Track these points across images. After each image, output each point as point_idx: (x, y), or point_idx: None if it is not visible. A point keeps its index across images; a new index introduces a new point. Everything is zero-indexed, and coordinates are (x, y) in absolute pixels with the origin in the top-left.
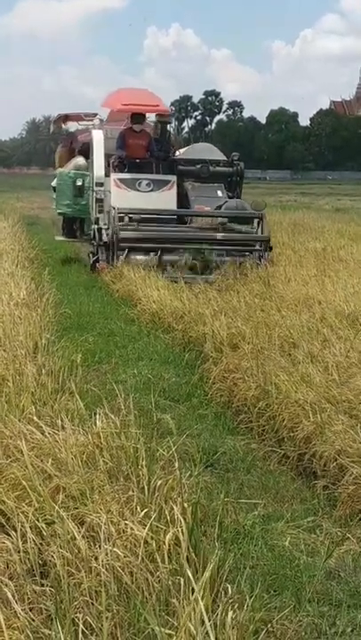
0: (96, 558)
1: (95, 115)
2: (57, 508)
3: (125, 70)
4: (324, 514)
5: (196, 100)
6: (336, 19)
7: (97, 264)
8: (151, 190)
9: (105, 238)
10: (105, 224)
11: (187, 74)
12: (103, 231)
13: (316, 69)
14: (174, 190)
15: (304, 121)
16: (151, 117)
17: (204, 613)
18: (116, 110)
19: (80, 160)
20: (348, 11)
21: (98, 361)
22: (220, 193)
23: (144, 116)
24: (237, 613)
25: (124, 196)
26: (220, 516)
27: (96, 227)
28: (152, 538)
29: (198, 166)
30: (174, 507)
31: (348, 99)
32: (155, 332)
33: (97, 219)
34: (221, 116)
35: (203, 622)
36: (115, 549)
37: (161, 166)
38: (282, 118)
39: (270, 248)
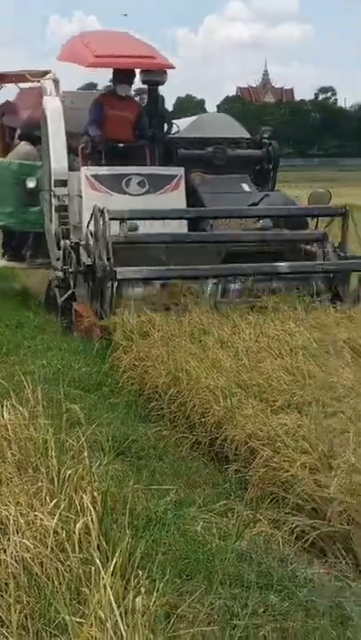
0: (4, 550)
1: (47, 73)
2: None
3: (29, 60)
4: (235, 497)
5: (100, 87)
6: (240, 6)
7: (74, 306)
8: (146, 192)
9: (88, 261)
10: (81, 240)
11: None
12: (83, 251)
13: (222, 56)
14: (182, 190)
15: (211, 108)
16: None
17: (113, 600)
18: (87, 66)
19: (25, 147)
20: None
21: (5, 353)
22: (245, 186)
23: (134, 74)
24: (147, 599)
25: (103, 202)
26: (130, 504)
27: (69, 243)
28: (62, 528)
29: (210, 149)
30: (84, 496)
31: (254, 85)
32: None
33: (65, 232)
34: None
35: (113, 609)
36: (24, 541)
37: (157, 152)
38: (189, 105)
39: None
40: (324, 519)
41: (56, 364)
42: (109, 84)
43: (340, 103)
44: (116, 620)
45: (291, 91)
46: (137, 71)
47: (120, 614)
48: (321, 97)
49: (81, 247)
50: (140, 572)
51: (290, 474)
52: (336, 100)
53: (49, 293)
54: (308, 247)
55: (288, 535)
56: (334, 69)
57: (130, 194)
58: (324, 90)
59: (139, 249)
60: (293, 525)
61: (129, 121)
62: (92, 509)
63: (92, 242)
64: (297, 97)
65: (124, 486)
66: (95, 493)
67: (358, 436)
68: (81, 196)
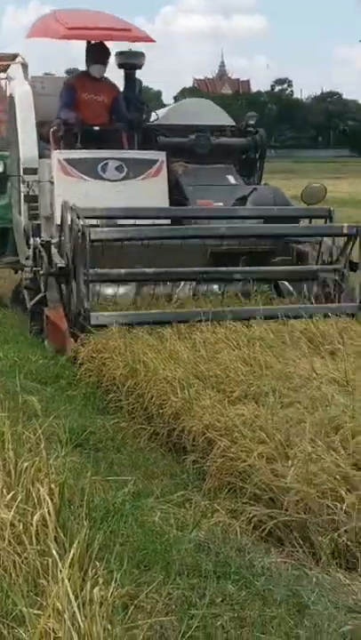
0: None
1: (15, 56)
2: None
3: None
4: (193, 488)
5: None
6: None
7: (45, 311)
8: (125, 178)
9: (60, 262)
10: (53, 237)
11: (50, 51)
12: (54, 250)
13: (178, 48)
14: (164, 176)
15: (168, 99)
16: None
17: (70, 592)
18: (60, 38)
19: None
20: None
21: None
22: (231, 178)
23: (109, 53)
24: (105, 590)
25: (77, 188)
26: (88, 495)
27: (39, 241)
28: (19, 520)
29: (192, 137)
30: (41, 488)
31: (210, 77)
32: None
33: (35, 228)
34: None
35: (70, 600)
36: None
37: (135, 138)
38: (146, 96)
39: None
40: (282, 508)
41: (13, 357)
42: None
43: (297, 95)
44: (74, 612)
45: (247, 82)
46: (112, 52)
47: (78, 605)
48: (277, 88)
49: (53, 246)
50: (98, 564)
51: (247, 464)
52: (292, 91)
53: (17, 296)
54: (301, 247)
55: (246, 525)
56: (290, 61)
57: (107, 179)
58: (280, 81)
59: (114, 247)
60: (251, 515)
61: (104, 105)
62: (49, 501)
63: (66, 239)
64: (253, 88)
65: (82, 478)
66: (52, 485)
67: (315, 426)
68: (53, 183)
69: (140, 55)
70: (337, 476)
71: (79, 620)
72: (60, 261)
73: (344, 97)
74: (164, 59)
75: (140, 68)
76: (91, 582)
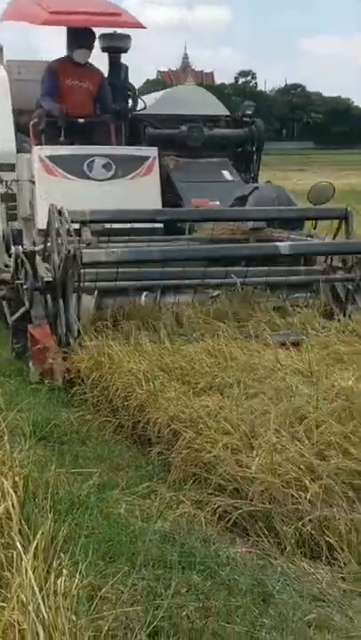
0: None
1: None
2: None
3: None
4: (158, 479)
5: None
6: None
7: (30, 329)
8: (113, 177)
9: (47, 276)
10: (36, 243)
11: (6, 42)
12: (39, 260)
13: (141, 40)
14: (156, 175)
15: None
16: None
17: (34, 583)
18: (41, 24)
19: None
20: None
21: None
22: (227, 174)
23: (93, 36)
24: (69, 581)
25: (61, 189)
26: (52, 488)
27: (22, 250)
28: None
29: (184, 128)
30: (5, 481)
31: (174, 69)
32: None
33: (17, 234)
34: None
35: (35, 592)
36: None
37: (123, 130)
38: None
39: None
40: (246, 499)
41: None
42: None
43: (261, 87)
44: (39, 604)
45: (211, 74)
46: (96, 34)
47: (42, 597)
48: (241, 80)
49: (38, 256)
50: (63, 555)
51: (212, 455)
52: (256, 83)
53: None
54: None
55: (211, 515)
56: (254, 53)
57: (93, 179)
58: (244, 73)
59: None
60: (216, 506)
61: (89, 92)
62: (13, 494)
63: (53, 250)
64: (217, 80)
65: (47, 471)
66: (16, 478)
67: (279, 417)
68: (33, 182)
69: (126, 38)
70: (301, 466)
71: (43, 611)
72: (45, 274)
73: (308, 89)
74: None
75: (125, 51)
76: (55, 573)
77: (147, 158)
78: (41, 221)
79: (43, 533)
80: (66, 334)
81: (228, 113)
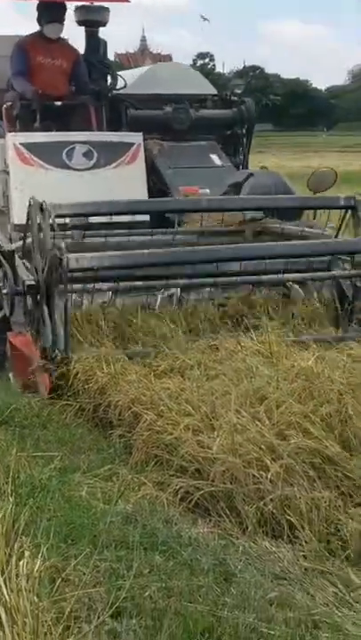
0: None
1: None
2: None
3: None
4: (120, 462)
5: None
6: None
7: (9, 337)
8: (95, 166)
9: (29, 279)
10: (12, 239)
11: None
12: (20, 263)
13: None
14: (141, 163)
15: None
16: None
17: None
18: None
19: None
20: None
21: None
22: (216, 158)
23: (64, 8)
24: (31, 563)
25: (38, 179)
26: (13, 472)
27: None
28: None
29: (169, 109)
30: None
31: (132, 51)
32: None
33: None
34: None
35: None
36: None
37: (104, 113)
38: None
39: None
40: (208, 479)
41: None
42: None
43: (219, 69)
44: (0, 586)
45: (169, 56)
46: (71, 6)
47: (4, 580)
48: (199, 63)
49: (17, 257)
50: (24, 538)
51: (173, 436)
52: (214, 65)
53: None
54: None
55: (173, 497)
56: (212, 35)
57: (73, 168)
58: (202, 55)
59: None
60: (178, 487)
61: (63, 71)
62: None
63: (35, 249)
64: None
65: (8, 455)
66: None
67: (240, 397)
68: (7, 172)
69: (104, 10)
70: (262, 446)
71: (5, 594)
72: (27, 277)
73: (266, 71)
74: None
75: (103, 25)
76: (17, 556)
77: (131, 145)
78: (17, 216)
79: (4, 517)
80: (52, 345)
81: (214, 92)
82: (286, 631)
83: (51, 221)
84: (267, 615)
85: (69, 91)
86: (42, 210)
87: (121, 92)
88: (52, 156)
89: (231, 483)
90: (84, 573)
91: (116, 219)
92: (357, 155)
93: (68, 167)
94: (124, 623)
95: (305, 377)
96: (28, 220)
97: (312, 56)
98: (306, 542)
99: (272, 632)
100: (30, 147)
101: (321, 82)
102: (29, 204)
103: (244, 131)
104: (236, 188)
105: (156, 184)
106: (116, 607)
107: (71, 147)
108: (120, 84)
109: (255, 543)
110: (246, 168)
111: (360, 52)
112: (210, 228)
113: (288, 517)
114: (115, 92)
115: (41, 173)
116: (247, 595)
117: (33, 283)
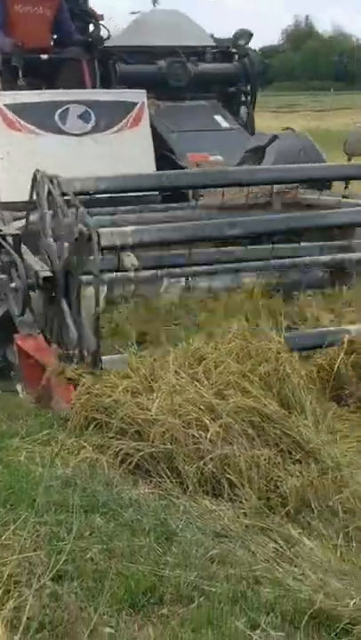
0: None
1: None
2: None
3: None
4: (59, 426)
5: None
6: None
7: (17, 340)
8: (93, 130)
9: (44, 270)
10: (4, 222)
11: None
12: (26, 250)
13: None
14: (146, 126)
15: None
16: None
17: None
18: None
19: None
20: None
21: None
22: (220, 119)
23: None
24: None
25: (28, 146)
26: None
27: None
28: None
29: (163, 63)
30: None
31: None
32: None
33: None
34: None
35: None
36: None
37: (96, 66)
38: None
39: None
40: (148, 441)
41: None
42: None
43: None
44: None
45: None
46: None
47: None
48: None
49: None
50: None
51: (112, 399)
52: None
53: None
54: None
55: (113, 459)
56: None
57: (68, 133)
58: None
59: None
60: (118, 449)
61: (45, 19)
62: None
63: (46, 233)
64: None
65: None
66: None
67: (178, 359)
68: None
69: None
70: (201, 406)
71: None
72: (41, 268)
73: None
74: None
75: None
76: None
77: (134, 104)
78: (5, 191)
79: None
80: (75, 348)
81: (212, 43)
82: (228, 588)
83: (69, 198)
84: (208, 573)
85: (54, 43)
86: (52, 183)
87: (107, 43)
88: (42, 118)
89: (171, 443)
90: (24, 538)
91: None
92: (293, 115)
93: (62, 132)
94: (65, 586)
95: (242, 337)
96: (32, 196)
97: (246, 15)
98: (246, 500)
99: (213, 589)
100: (17, 108)
101: (255, 43)
102: (35, 179)
103: (248, 88)
104: (257, 153)
105: (158, 149)
106: (56, 570)
107: (64, 107)
108: (104, 34)
109: (196, 502)
110: (253, 130)
111: (293, 12)
112: (233, 202)
113: (228, 476)
114: (102, 43)
115: (31, 140)
116: (188, 553)
117: (49, 274)
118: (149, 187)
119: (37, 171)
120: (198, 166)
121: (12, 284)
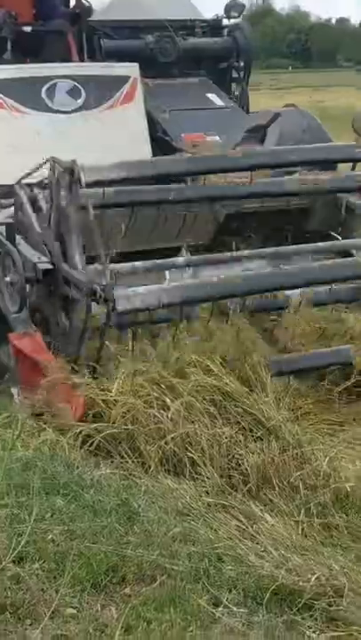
0: None
1: None
2: None
3: None
4: (19, 409)
5: None
6: None
7: (12, 339)
8: (83, 107)
9: (43, 263)
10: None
11: None
12: (21, 240)
13: None
14: (139, 102)
15: None
16: None
17: None
18: None
19: None
20: None
21: None
22: (214, 98)
23: None
24: None
25: (13, 126)
26: None
27: None
28: None
29: (151, 38)
30: None
31: None
32: None
33: None
34: None
35: None
36: None
37: (84, 40)
38: None
39: None
40: (109, 422)
41: None
42: None
43: None
44: None
45: None
46: None
47: None
48: None
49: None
50: None
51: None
52: None
53: None
54: (352, 200)
55: (73, 441)
56: None
57: (57, 110)
58: None
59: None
60: (78, 431)
61: None
62: None
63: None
64: None
65: None
66: None
67: (139, 342)
68: None
69: None
70: (162, 386)
71: None
72: (38, 260)
73: None
74: None
75: None
76: None
77: (126, 79)
78: None
79: None
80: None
81: (201, 16)
82: (190, 565)
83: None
84: (170, 551)
85: (37, 14)
86: (72, 174)
87: (92, 18)
88: (28, 95)
89: (132, 424)
90: None
91: None
92: (254, 94)
93: (50, 110)
94: (26, 568)
95: (205, 316)
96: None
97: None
98: (208, 478)
99: (176, 567)
100: (0, 84)
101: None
102: (50, 168)
103: (241, 63)
104: (258, 133)
105: (152, 132)
106: (17, 552)
107: (52, 83)
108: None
109: (158, 482)
110: (248, 109)
111: None
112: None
113: (190, 454)
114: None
115: (15, 119)
116: (150, 532)
117: (49, 266)
118: (178, 172)
119: (51, 158)
120: (195, 147)
121: (7, 278)
